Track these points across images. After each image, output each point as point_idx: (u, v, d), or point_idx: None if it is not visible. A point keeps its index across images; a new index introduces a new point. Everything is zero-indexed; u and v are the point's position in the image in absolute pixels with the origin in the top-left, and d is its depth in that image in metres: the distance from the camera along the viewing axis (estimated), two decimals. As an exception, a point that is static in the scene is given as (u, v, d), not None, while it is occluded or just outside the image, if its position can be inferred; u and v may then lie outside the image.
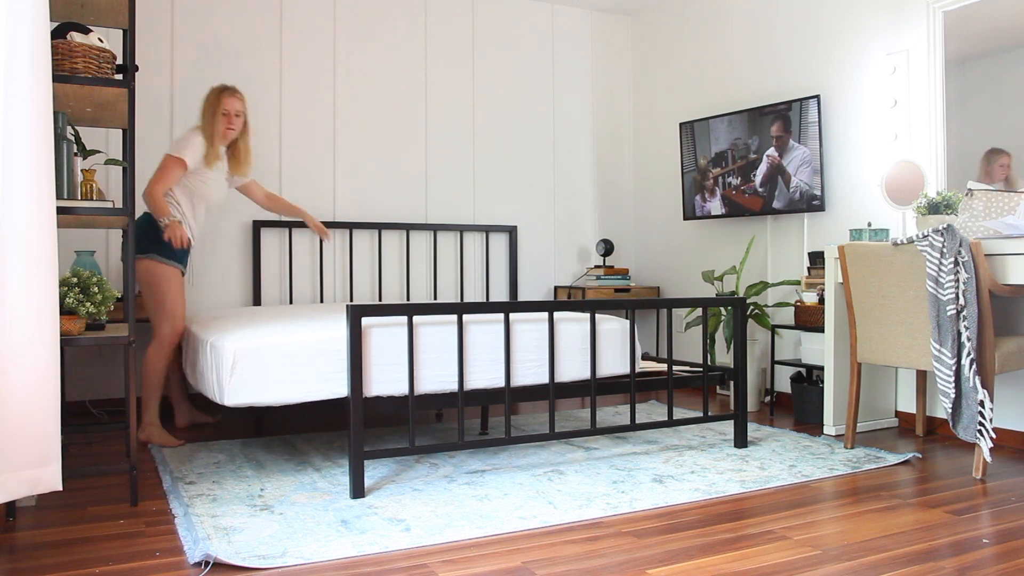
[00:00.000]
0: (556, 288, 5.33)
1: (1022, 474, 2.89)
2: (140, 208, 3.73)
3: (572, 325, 3.08)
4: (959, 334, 2.83)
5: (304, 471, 2.93)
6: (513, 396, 2.88)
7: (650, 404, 4.33)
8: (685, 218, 4.98)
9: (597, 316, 3.13)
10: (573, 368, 3.06)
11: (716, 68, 4.89)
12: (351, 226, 4.65)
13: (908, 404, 3.75)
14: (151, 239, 3.39)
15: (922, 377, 3.57)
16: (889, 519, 2.37)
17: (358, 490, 2.58)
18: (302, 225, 4.52)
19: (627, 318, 3.21)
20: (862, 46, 3.97)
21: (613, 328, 3.19)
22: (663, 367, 3.45)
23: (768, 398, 4.37)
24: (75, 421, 3.76)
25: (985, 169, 3.37)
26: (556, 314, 3.09)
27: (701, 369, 3.35)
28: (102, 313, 2.51)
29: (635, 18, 5.63)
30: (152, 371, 3.42)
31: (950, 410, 2.85)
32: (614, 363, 3.16)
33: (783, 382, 4.38)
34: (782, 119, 4.28)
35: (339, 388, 2.73)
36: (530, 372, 2.95)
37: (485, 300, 4.67)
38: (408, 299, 4.85)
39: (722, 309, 4.28)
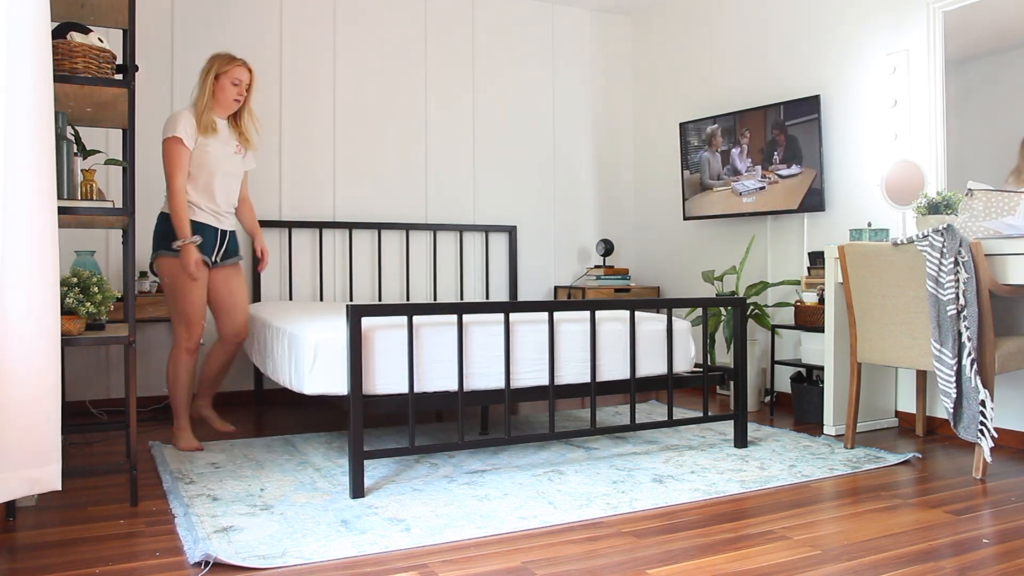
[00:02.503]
0: (556, 288, 5.33)
1: (1022, 474, 2.89)
2: (139, 208, 3.74)
3: (616, 325, 3.11)
4: (959, 334, 2.83)
5: (304, 471, 2.93)
6: (514, 396, 2.88)
7: (650, 404, 4.33)
8: (685, 218, 4.98)
9: (638, 315, 3.23)
10: (615, 368, 3.11)
11: (716, 68, 4.89)
12: (351, 226, 4.64)
13: (908, 404, 3.75)
14: (165, 235, 3.26)
15: (922, 377, 3.57)
16: (889, 519, 2.37)
17: (358, 490, 2.58)
18: (302, 225, 4.52)
19: (690, 321, 3.23)
20: (862, 46, 3.97)
21: (664, 328, 3.26)
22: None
23: (768, 398, 4.37)
24: (75, 421, 3.76)
25: None
26: (598, 314, 3.12)
27: (701, 369, 3.35)
28: (102, 313, 2.51)
29: (635, 18, 5.63)
30: (171, 378, 3.33)
31: (951, 410, 2.85)
32: (677, 362, 3.27)
33: (783, 382, 4.38)
34: (781, 118, 4.28)
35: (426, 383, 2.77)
36: (551, 372, 2.96)
37: (485, 300, 4.67)
38: (408, 299, 4.85)
39: (722, 309, 4.28)
